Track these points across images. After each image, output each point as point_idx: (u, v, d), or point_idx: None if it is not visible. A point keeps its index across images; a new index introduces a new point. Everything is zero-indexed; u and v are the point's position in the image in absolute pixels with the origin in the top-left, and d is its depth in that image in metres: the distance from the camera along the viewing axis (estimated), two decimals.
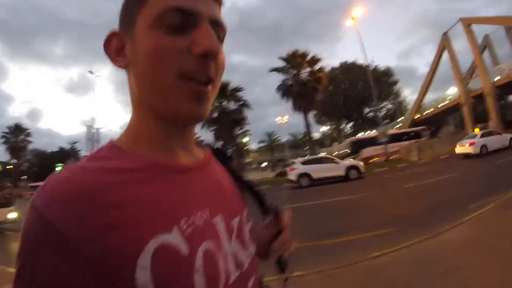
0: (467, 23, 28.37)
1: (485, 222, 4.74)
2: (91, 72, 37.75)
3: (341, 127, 60.23)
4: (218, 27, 0.51)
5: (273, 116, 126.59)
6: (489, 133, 17.35)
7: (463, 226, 4.67)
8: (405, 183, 10.84)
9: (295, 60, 28.50)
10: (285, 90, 29.11)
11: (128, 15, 0.52)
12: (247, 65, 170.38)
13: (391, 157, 25.21)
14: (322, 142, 62.15)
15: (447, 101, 34.26)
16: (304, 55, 28.53)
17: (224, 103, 28.78)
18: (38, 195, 0.42)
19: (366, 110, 57.42)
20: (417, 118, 37.59)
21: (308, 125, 29.95)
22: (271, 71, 29.39)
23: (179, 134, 0.55)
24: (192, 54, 0.47)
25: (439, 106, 35.78)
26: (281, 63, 29.39)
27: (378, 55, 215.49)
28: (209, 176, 0.59)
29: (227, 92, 28.17)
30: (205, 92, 0.49)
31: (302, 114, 28.84)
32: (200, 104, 0.49)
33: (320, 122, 59.66)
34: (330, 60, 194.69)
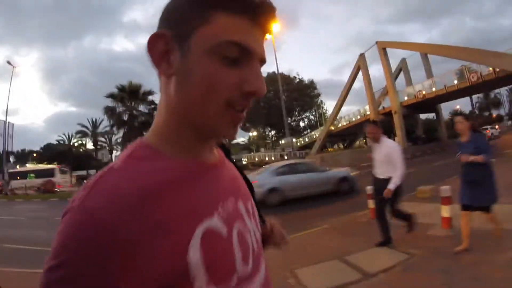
0: (382, 46, 30.91)
1: None
2: (9, 62, 33.78)
3: (266, 134, 61.59)
4: (261, 66, 0.56)
5: None
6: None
7: None
8: None
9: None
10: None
11: (184, 24, 0.52)
12: None
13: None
14: (248, 147, 63.54)
15: (358, 117, 36.83)
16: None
17: (137, 106, 28.84)
18: (88, 195, 0.45)
19: (289, 119, 59.31)
20: (332, 130, 39.66)
21: None
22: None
23: (206, 142, 0.60)
24: (241, 89, 0.52)
25: (353, 120, 38.32)
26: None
27: (313, 68, 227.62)
28: (227, 170, 0.68)
29: (139, 96, 28.33)
30: (242, 119, 0.55)
31: None
32: (236, 128, 0.56)
33: (244, 128, 60.29)
34: (267, 68, 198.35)
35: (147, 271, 0.43)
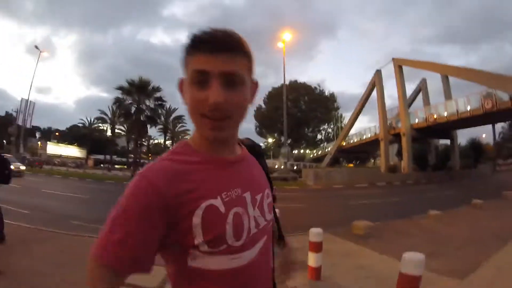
0: (398, 63, 29.40)
1: None
2: (36, 47, 36.12)
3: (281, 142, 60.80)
4: (230, 76, 0.72)
5: None
6: None
7: None
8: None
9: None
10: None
11: (183, 70, 0.78)
12: None
13: None
14: (264, 153, 62.32)
15: (369, 135, 35.40)
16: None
17: (144, 101, 29.38)
18: (148, 169, 0.72)
19: (306, 130, 58.40)
20: (344, 145, 38.36)
21: None
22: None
23: (222, 144, 0.81)
24: (207, 103, 0.71)
25: (363, 138, 36.88)
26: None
27: (345, 80, 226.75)
28: (244, 166, 0.87)
29: (147, 91, 28.88)
30: (219, 125, 0.74)
31: None
32: (218, 131, 0.74)
33: (261, 134, 59.86)
34: (298, 76, 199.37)
35: (176, 223, 0.70)
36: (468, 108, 23.83)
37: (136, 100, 29.12)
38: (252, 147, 1.00)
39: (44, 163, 39.20)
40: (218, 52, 0.72)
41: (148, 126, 30.46)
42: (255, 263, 0.81)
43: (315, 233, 3.92)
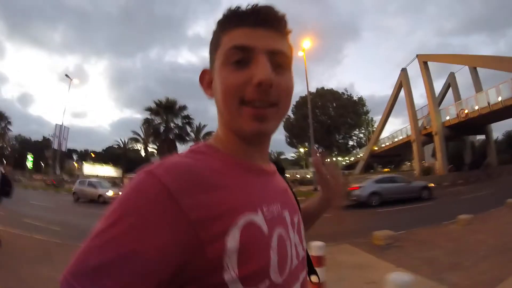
0: (423, 60, 28.34)
1: None
2: (67, 76, 39.23)
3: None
4: (278, 55, 0.60)
5: None
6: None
7: None
8: None
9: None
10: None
11: (211, 56, 0.66)
12: None
13: None
14: (297, 163, 63.93)
15: (401, 137, 34.21)
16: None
17: (173, 120, 30.48)
18: (158, 166, 0.51)
19: (337, 136, 57.53)
20: (376, 150, 37.33)
21: None
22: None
23: (254, 146, 0.66)
24: (251, 84, 0.57)
25: (395, 140, 35.72)
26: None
27: (374, 82, 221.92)
28: (278, 181, 0.72)
29: (174, 110, 29.90)
30: (264, 114, 0.59)
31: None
32: (261, 122, 0.59)
33: (291, 144, 59.54)
34: (326, 82, 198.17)
35: (199, 247, 0.47)
36: (499, 98, 22.03)
37: (165, 119, 30.02)
38: (275, 163, 0.82)
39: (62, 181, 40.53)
40: (264, 26, 0.60)
41: (178, 144, 30.97)
42: None
43: (315, 246, 3.71)
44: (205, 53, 0.71)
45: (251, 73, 0.57)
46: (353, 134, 60.18)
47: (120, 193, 0.54)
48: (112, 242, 0.43)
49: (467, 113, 24.89)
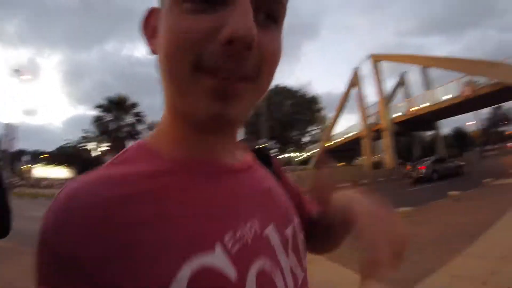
0: (376, 59, 29.17)
1: None
2: (16, 70, 35.84)
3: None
4: (270, 3, 0.38)
5: None
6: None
7: None
8: None
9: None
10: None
11: None
12: None
13: None
14: None
15: (353, 133, 35.09)
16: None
17: (124, 117, 30.19)
18: (49, 213, 0.34)
19: (293, 133, 58.52)
20: (329, 146, 38.20)
21: None
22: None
23: (215, 138, 0.44)
24: (217, 38, 0.34)
25: (346, 136, 36.73)
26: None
27: (332, 80, 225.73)
28: (255, 180, 0.49)
29: (124, 107, 29.51)
30: (232, 90, 0.36)
31: None
32: (225, 103, 0.36)
33: (249, 140, 59.48)
34: (285, 79, 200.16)
35: None
36: (447, 97, 23.58)
37: (115, 117, 28.86)
38: (258, 152, 0.57)
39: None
40: None
41: (129, 142, 30.23)
42: None
43: None
44: None
45: (220, 21, 0.34)
46: (308, 130, 61.46)
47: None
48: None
49: (414, 110, 26.22)
